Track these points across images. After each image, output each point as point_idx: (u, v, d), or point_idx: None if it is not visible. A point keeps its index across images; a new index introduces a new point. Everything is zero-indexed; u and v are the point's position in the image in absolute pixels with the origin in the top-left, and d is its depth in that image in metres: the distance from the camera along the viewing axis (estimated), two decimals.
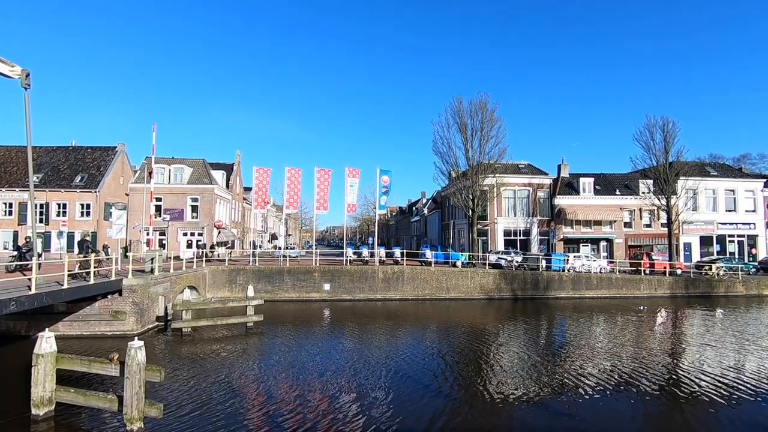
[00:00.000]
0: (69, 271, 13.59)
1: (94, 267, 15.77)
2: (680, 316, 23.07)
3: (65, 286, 13.18)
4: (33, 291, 11.58)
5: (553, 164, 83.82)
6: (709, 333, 18.65)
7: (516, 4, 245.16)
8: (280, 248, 42.75)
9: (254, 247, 41.00)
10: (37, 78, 12.86)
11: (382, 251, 32.85)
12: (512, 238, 38.62)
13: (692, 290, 29.68)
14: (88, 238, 18.82)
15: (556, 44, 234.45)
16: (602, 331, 18.95)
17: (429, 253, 31.55)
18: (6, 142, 40.19)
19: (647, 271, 30.86)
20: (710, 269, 32.10)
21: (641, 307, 24.68)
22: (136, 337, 8.62)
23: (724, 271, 32.30)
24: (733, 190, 40.49)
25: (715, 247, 39.58)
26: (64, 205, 36.99)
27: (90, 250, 16.95)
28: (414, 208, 72.91)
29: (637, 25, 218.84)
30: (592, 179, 39.98)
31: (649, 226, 39.70)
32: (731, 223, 39.97)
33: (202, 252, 29.37)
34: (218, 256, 32.55)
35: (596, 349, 15.48)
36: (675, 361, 14.03)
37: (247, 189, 51.00)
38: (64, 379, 9.24)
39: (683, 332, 19.18)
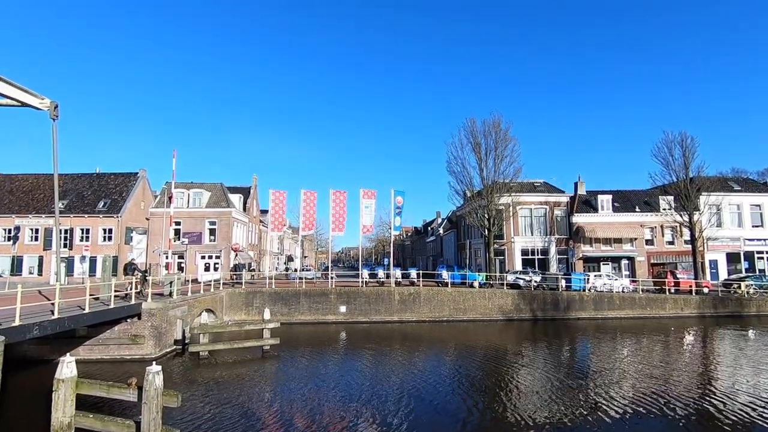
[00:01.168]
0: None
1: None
2: (710, 337, 22.11)
3: (87, 310, 13.39)
4: (56, 316, 11.79)
5: (568, 182, 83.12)
6: (742, 354, 17.77)
7: (528, 25, 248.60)
8: (296, 270, 42.76)
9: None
10: (64, 105, 13.46)
11: (398, 272, 32.63)
12: (530, 257, 37.95)
13: (721, 310, 28.49)
14: (135, 262, 19.30)
15: (571, 62, 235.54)
16: (629, 352, 18.23)
17: (445, 274, 31.18)
18: (33, 170, 41.93)
19: (672, 290, 29.85)
20: (739, 287, 30.83)
21: (672, 328, 23.77)
22: (154, 362, 8.64)
23: (754, 289, 30.94)
24: (759, 205, 39.22)
25: (743, 264, 38.12)
26: (87, 230, 38.07)
27: (136, 272, 17.40)
28: (429, 228, 72.61)
29: (647, 37, 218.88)
30: (610, 196, 39.29)
31: (671, 243, 38.60)
32: (759, 239, 38.57)
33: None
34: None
35: (624, 371, 14.86)
36: (708, 384, 13.36)
37: (264, 212, 51.68)
38: (84, 403, 9.26)
39: (715, 354, 18.35)
